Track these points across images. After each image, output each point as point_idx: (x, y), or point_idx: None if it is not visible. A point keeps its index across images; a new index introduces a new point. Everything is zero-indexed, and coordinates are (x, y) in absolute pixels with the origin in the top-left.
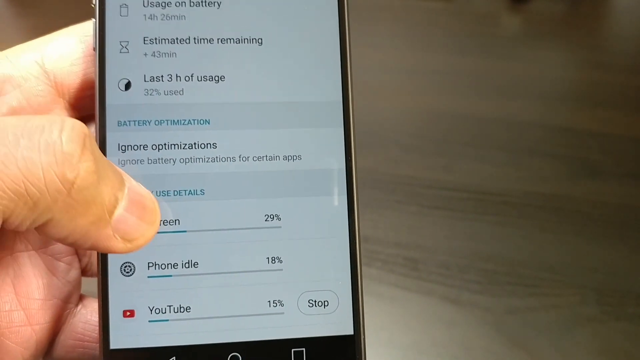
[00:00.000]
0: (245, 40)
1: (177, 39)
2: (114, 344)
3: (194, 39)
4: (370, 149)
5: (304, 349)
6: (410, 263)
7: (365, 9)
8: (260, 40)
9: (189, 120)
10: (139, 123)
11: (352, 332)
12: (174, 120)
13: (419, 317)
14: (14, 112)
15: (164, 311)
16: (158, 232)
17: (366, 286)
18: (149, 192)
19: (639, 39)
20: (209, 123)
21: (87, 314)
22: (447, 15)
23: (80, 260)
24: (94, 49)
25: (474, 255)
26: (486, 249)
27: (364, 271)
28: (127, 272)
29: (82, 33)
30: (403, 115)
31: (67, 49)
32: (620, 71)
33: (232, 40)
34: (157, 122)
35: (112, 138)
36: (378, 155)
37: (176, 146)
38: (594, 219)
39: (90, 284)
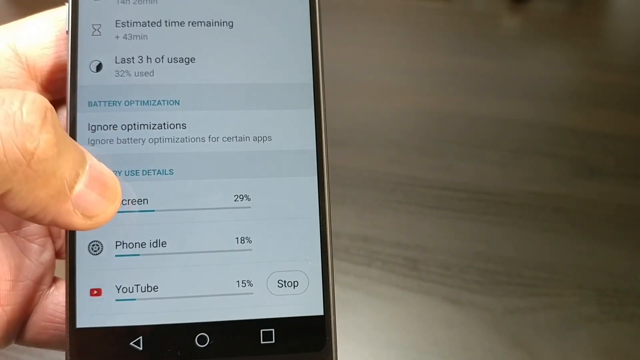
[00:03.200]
0: (216, 23)
1: (148, 21)
2: (80, 323)
3: (165, 22)
4: (370, 149)
5: (273, 329)
6: (410, 263)
7: (366, 9)
8: (230, 24)
9: (159, 100)
10: (109, 104)
11: (322, 313)
12: (143, 101)
13: (419, 317)
14: None
15: (131, 290)
16: (126, 211)
17: (366, 286)
18: (110, 171)
19: (639, 39)
20: (178, 104)
21: (59, 296)
22: (447, 15)
23: (54, 242)
24: (67, 32)
25: (474, 255)
26: (486, 249)
27: (364, 271)
28: (95, 251)
29: (55, 17)
30: (403, 115)
31: (39, 33)
32: (620, 71)
33: (202, 23)
34: (127, 103)
35: (83, 118)
36: (378, 155)
37: (145, 126)
38: (594, 219)
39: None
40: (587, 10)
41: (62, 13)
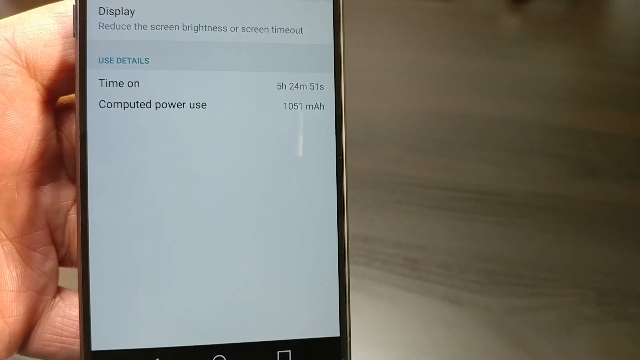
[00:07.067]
0: None
1: None
2: (95, 346)
3: None
4: (370, 149)
5: (289, 351)
6: (410, 263)
7: (366, 9)
8: None
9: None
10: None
11: (338, 335)
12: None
13: (419, 317)
14: None
15: (146, 312)
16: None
17: (366, 286)
18: None
19: (639, 39)
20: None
21: (65, 308)
22: (447, 15)
23: (57, 251)
24: (74, 35)
25: (474, 255)
26: (486, 249)
27: (364, 271)
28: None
29: (59, 12)
30: (403, 115)
31: (41, 29)
32: (620, 71)
33: None
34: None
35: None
36: (378, 155)
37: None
38: (594, 219)
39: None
40: (587, 10)
41: (65, 9)
